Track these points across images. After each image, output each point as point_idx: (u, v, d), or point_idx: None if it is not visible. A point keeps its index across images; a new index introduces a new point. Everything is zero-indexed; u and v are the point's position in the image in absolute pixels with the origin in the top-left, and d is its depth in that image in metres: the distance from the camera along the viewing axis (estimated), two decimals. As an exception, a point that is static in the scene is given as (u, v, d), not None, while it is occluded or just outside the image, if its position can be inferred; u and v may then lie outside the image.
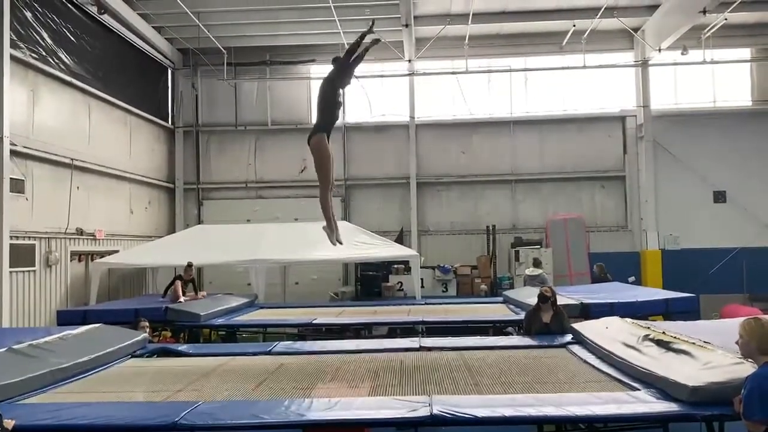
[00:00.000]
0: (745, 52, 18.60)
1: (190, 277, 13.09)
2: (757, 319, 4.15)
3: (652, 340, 5.95)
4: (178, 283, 12.51)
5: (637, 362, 5.50)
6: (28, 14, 12.48)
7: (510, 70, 18.74)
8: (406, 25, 16.67)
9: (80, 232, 13.87)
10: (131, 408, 5.00)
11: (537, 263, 14.84)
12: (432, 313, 11.94)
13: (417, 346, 7.59)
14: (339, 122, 19.12)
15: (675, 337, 5.82)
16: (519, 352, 7.26)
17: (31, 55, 12.44)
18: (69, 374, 6.10)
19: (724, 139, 18.22)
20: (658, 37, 16.90)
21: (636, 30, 17.74)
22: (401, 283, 16.47)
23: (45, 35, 12.98)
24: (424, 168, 19.01)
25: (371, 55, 18.66)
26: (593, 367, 6.19)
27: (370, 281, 16.64)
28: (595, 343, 6.64)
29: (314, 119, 19.66)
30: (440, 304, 13.72)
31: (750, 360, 4.18)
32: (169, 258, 14.59)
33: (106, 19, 15.17)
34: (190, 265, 13.07)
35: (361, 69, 18.81)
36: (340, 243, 6.89)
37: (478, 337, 9.03)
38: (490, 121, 19.07)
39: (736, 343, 4.19)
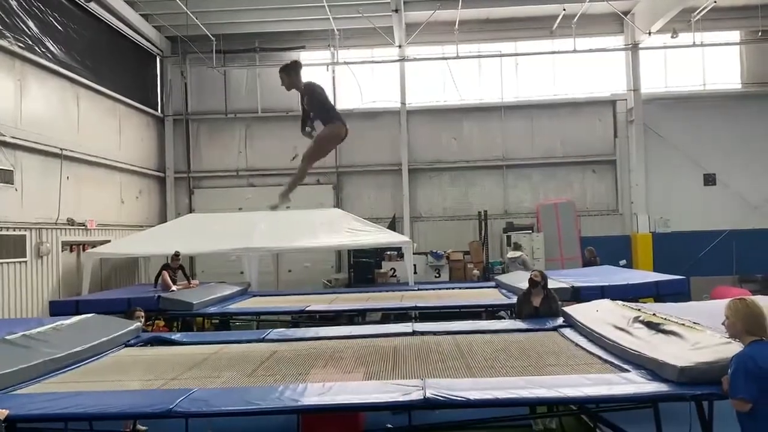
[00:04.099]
0: (735, 35, 18.64)
1: (178, 265, 13.06)
2: (742, 299, 4.20)
3: (642, 321, 6.01)
4: (165, 273, 12.49)
5: (627, 344, 5.55)
6: (14, 3, 12.33)
7: (500, 55, 18.74)
8: (396, 11, 16.61)
9: (71, 222, 13.81)
10: (125, 396, 5.01)
11: (517, 246, 15.76)
12: (425, 298, 11.99)
13: (410, 330, 7.64)
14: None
15: (665, 319, 5.88)
16: (511, 335, 7.29)
17: (17, 45, 12.31)
18: (62, 364, 6.09)
19: (714, 122, 18.33)
20: (648, 20, 16.92)
21: (626, 13, 17.75)
22: (394, 269, 16.52)
23: (31, 24, 12.84)
24: (415, 154, 19.01)
25: (362, 41, 18.77)
26: (584, 349, 6.24)
27: (362, 268, 16.67)
28: (586, 326, 6.70)
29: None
30: (433, 289, 13.76)
31: (737, 340, 4.24)
32: (160, 247, 14.53)
33: (93, 6, 15.02)
34: (176, 254, 13.05)
35: (351, 55, 18.92)
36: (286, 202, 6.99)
37: (471, 321, 9.08)
38: (481, 107, 19.08)
39: (723, 324, 4.24)
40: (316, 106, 6.53)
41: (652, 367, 4.93)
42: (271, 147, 19.25)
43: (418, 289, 13.73)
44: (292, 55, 19.30)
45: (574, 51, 17.43)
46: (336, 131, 6.41)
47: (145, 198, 18.10)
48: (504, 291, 12.03)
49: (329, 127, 6.41)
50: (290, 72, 6.58)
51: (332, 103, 6.61)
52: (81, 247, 14.36)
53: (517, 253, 15.34)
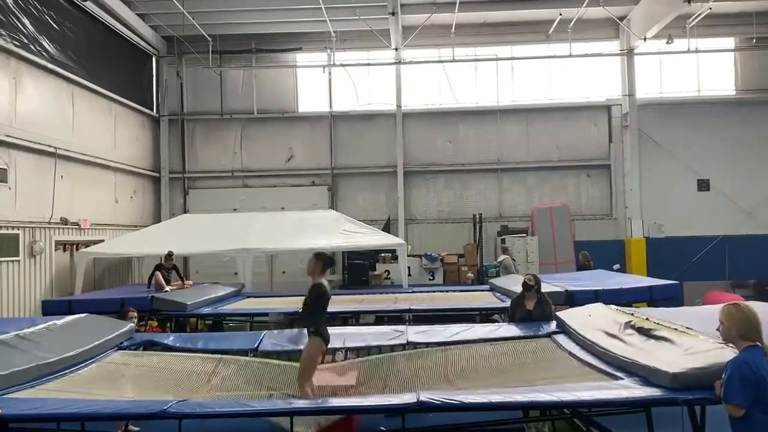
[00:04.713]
0: (729, 42, 18.73)
1: (171, 265, 13.02)
2: (736, 304, 4.21)
3: (634, 327, 6.01)
4: (158, 273, 12.45)
5: (620, 352, 5.55)
6: (10, 1, 12.29)
7: (496, 59, 18.77)
8: (393, 13, 16.61)
9: (65, 221, 13.76)
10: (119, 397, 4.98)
11: (504, 250, 16.26)
12: (419, 301, 11.99)
13: (405, 341, 7.50)
14: (325, 110, 19.39)
15: (658, 324, 5.89)
16: (505, 342, 7.25)
17: (12, 43, 12.26)
18: (55, 369, 6.03)
19: (708, 128, 18.41)
20: (644, 26, 16.97)
21: (622, 19, 17.80)
22: (388, 271, 16.53)
23: (27, 22, 12.80)
24: (410, 157, 19.03)
25: (358, 44, 18.81)
26: (577, 357, 6.23)
27: (357, 270, 16.66)
28: (579, 334, 6.68)
29: (300, 107, 19.52)
30: (427, 292, 13.77)
31: (731, 345, 4.25)
32: (154, 247, 14.48)
33: (89, 5, 14.98)
34: (170, 254, 13.01)
35: (347, 57, 18.95)
36: None
37: (465, 324, 9.06)
38: (476, 110, 19.11)
39: (717, 330, 4.25)
40: (310, 307, 6.36)
41: (644, 374, 4.94)
42: (266, 148, 19.26)
43: (413, 292, 13.74)
44: (288, 57, 19.37)
45: (570, 56, 17.48)
46: (317, 351, 6.17)
47: (140, 198, 18.05)
48: (498, 294, 12.05)
49: (311, 347, 6.12)
50: (320, 263, 6.45)
51: (324, 315, 6.36)
52: (74, 246, 14.30)
53: (503, 257, 15.76)
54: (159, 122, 19.25)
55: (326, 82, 19.13)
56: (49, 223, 13.26)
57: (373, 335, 7.86)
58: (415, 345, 7.44)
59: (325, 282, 6.40)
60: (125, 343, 7.47)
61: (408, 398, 4.52)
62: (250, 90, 19.32)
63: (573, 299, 9.86)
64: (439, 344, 7.40)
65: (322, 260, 6.47)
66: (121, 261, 16.19)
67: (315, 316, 6.21)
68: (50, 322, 7.11)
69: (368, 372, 6.39)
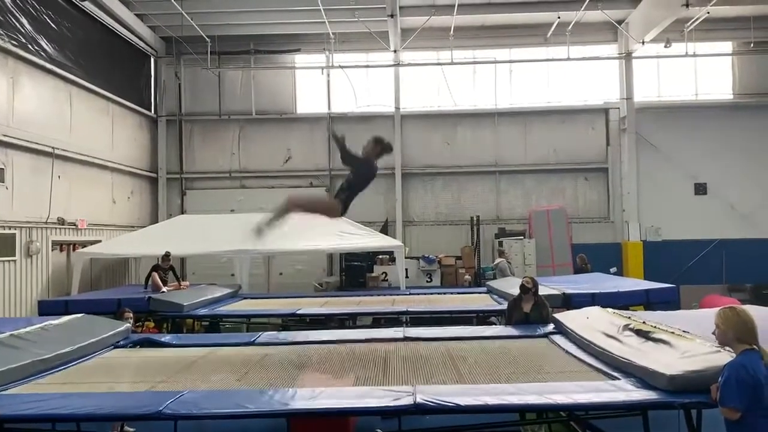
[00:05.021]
0: (727, 46, 18.79)
1: (168, 266, 13.00)
2: (732, 308, 4.22)
3: (632, 329, 6.02)
4: (155, 274, 12.43)
5: (617, 352, 5.56)
6: (8, 0, 12.29)
7: (495, 62, 18.80)
8: (392, 15, 16.64)
9: (62, 221, 13.74)
10: (114, 398, 4.97)
11: (500, 253, 16.36)
12: (416, 303, 11.98)
13: (401, 336, 7.62)
14: (323, 111, 19.37)
15: (655, 327, 5.90)
16: (502, 342, 7.29)
17: (10, 42, 12.26)
18: (51, 365, 6.02)
19: (705, 132, 18.46)
20: (642, 29, 17.02)
21: (620, 22, 17.85)
22: (386, 273, 16.51)
23: (25, 22, 12.79)
24: (408, 159, 19.04)
25: (357, 45, 18.81)
26: (574, 356, 6.24)
27: (354, 271, 16.65)
28: (577, 333, 6.70)
29: (299, 108, 19.49)
30: (424, 294, 13.76)
31: (727, 348, 4.26)
32: (151, 248, 14.44)
33: (87, 5, 14.97)
34: (167, 254, 12.98)
35: (346, 59, 18.95)
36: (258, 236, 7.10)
37: (462, 326, 9.08)
38: (474, 113, 19.13)
39: (713, 333, 4.26)
40: (355, 180, 6.86)
41: (641, 375, 4.94)
42: (264, 149, 19.25)
43: (410, 294, 13.71)
44: (287, 58, 19.36)
45: (568, 59, 17.53)
46: (330, 206, 6.71)
47: (137, 198, 18.02)
48: (495, 296, 12.04)
49: (330, 201, 6.67)
50: (378, 146, 6.95)
51: (356, 192, 6.87)
52: (71, 246, 14.28)
53: (498, 259, 15.84)
54: (157, 123, 19.23)
55: (325, 84, 19.14)
56: (46, 223, 13.23)
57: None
58: (412, 339, 7.48)
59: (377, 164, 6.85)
60: (121, 343, 7.46)
61: (405, 400, 4.51)
62: (249, 91, 19.31)
63: (570, 302, 9.87)
64: (435, 339, 7.44)
65: (380, 145, 6.94)
66: (118, 261, 16.16)
67: (353, 183, 6.72)
68: (46, 322, 7.08)
69: (367, 359, 6.42)
